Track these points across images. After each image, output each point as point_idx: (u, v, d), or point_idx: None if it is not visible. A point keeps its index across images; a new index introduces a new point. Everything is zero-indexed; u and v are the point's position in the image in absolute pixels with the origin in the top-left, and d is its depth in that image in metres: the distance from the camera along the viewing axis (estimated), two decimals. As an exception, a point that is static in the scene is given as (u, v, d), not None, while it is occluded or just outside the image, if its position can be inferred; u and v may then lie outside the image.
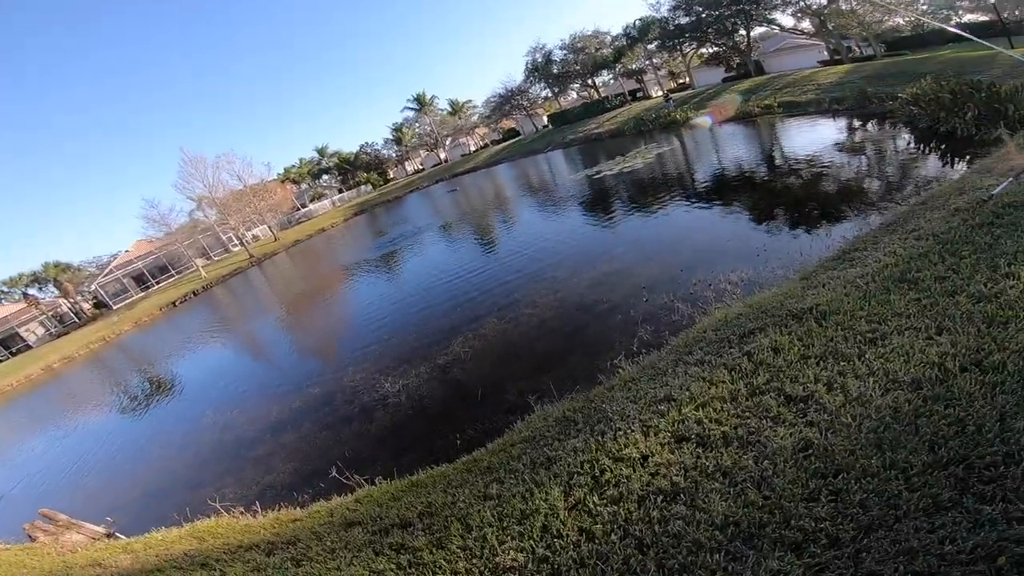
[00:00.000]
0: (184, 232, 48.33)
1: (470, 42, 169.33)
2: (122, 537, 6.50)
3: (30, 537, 7.10)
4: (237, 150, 75.98)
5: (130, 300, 45.93)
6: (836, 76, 24.11)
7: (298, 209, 65.13)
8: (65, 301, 47.92)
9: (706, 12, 38.91)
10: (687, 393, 4.22)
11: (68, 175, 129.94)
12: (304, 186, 75.31)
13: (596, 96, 56.39)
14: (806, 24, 37.73)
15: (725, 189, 14.50)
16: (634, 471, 3.56)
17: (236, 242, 51.72)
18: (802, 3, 33.71)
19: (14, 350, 42.35)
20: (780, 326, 4.83)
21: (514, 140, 65.04)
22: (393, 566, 3.63)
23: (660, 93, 48.74)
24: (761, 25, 39.40)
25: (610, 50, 52.39)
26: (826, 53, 37.54)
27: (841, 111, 19.78)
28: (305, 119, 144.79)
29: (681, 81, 56.00)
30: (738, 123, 25.23)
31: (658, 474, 3.46)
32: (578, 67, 55.22)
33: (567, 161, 34.33)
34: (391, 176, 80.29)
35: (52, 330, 45.08)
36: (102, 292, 47.10)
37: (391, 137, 76.36)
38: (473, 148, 75.20)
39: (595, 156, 30.53)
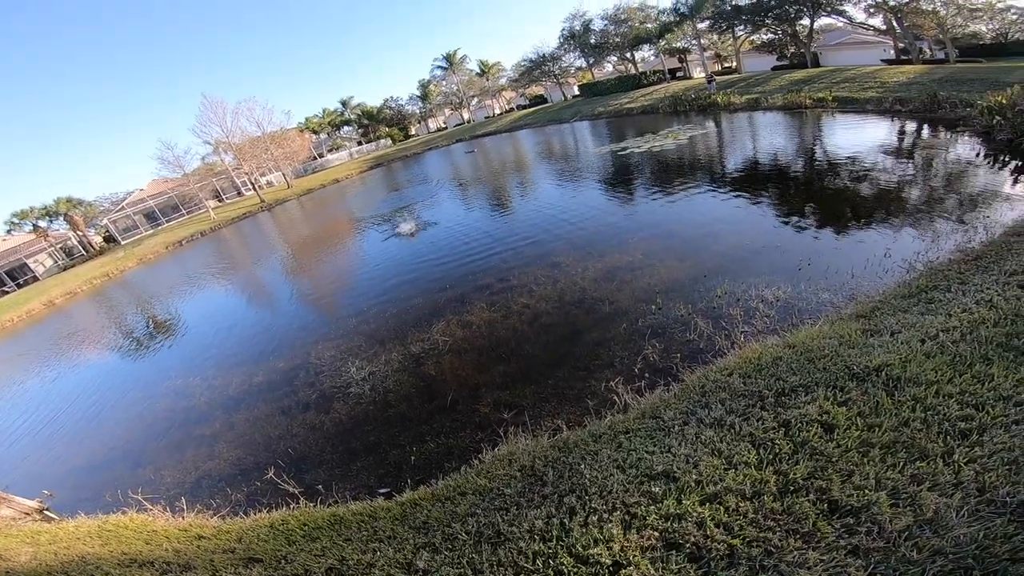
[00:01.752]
0: (198, 174, 47.40)
1: (509, 4, 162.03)
2: (54, 516, 6.29)
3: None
4: (260, 98, 74.17)
5: (139, 236, 45.46)
6: (904, 76, 21.83)
7: (315, 159, 63.82)
8: (74, 234, 47.28)
9: (770, -5, 35.91)
10: (694, 473, 3.10)
11: (86, 116, 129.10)
12: (323, 136, 73.62)
13: (633, 71, 53.10)
14: (876, 20, 34.57)
15: (760, 181, 12.89)
16: (602, 591, 2.50)
17: (249, 186, 50.81)
18: (880, -2, 30.57)
19: (21, 281, 42.04)
20: (834, 388, 3.63)
21: (540, 107, 62.28)
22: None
23: (703, 74, 45.66)
24: (828, 16, 36.12)
25: (655, 25, 48.84)
26: (892, 52, 34.53)
27: (903, 112, 17.77)
28: (335, 73, 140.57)
29: (727, 65, 52.47)
30: (784, 112, 23.12)
31: (633, 604, 2.40)
32: (618, 39, 51.59)
33: (593, 134, 32.30)
34: (412, 132, 78.32)
35: (60, 262, 44.47)
36: (112, 227, 46.60)
37: (417, 94, 74.00)
38: (498, 111, 72.55)
39: (623, 131, 28.52)
